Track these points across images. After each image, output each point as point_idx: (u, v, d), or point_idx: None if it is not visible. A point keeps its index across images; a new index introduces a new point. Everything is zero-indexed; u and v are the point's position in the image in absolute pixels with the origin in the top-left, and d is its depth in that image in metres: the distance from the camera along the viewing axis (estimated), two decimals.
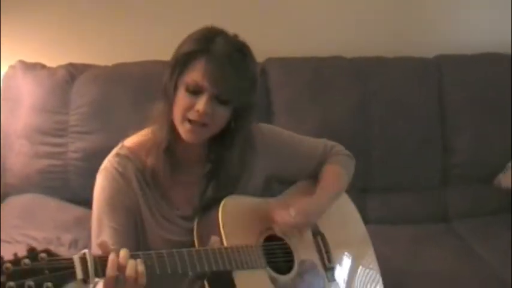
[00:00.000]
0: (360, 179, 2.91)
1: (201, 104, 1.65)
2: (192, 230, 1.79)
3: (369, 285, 2.03)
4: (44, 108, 2.78)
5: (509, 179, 2.93)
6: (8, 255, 2.34)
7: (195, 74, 1.66)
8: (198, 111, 1.65)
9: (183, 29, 2.99)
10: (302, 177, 2.05)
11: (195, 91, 1.66)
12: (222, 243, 1.71)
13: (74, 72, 2.86)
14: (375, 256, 2.09)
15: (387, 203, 2.96)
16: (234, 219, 1.77)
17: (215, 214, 1.76)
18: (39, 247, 2.47)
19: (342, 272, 1.97)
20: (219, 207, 1.76)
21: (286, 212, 1.82)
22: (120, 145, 1.82)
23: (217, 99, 1.67)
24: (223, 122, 1.74)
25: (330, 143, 2.09)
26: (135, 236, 1.78)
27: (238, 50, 1.71)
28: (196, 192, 1.85)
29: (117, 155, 1.78)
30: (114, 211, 1.74)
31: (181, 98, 1.68)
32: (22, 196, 2.77)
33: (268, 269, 1.79)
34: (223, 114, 1.71)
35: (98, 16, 3.01)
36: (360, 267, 2.04)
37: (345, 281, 1.97)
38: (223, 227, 1.73)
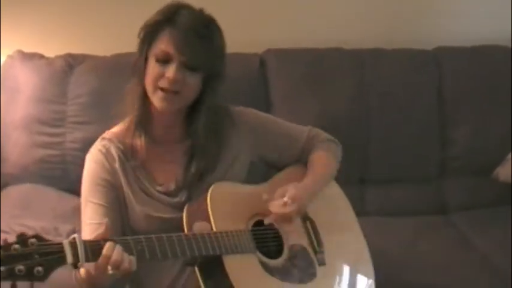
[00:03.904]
0: (357, 171, 2.93)
1: (170, 71, 1.72)
2: (174, 206, 1.84)
3: (358, 268, 2.03)
4: (42, 98, 2.78)
5: (507, 171, 2.93)
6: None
7: (162, 44, 1.74)
8: (168, 78, 1.72)
9: None
10: (288, 162, 2.07)
11: (164, 60, 1.74)
12: (211, 228, 1.72)
13: (72, 62, 2.86)
14: (365, 241, 2.10)
15: (385, 194, 2.95)
16: (222, 205, 1.79)
17: (203, 199, 1.78)
18: None
19: (331, 256, 1.97)
20: (207, 193, 1.79)
21: (280, 203, 1.82)
22: (107, 131, 1.92)
23: (186, 66, 1.74)
24: (195, 90, 1.80)
25: (315, 129, 2.13)
26: (119, 213, 1.83)
27: (203, 23, 1.80)
28: (178, 168, 1.89)
29: (102, 139, 1.89)
30: (98, 189, 1.81)
31: (152, 68, 1.75)
32: (20, 186, 2.77)
33: (258, 253, 1.80)
34: (193, 81, 1.77)
35: (97, 6, 3.00)
36: (350, 251, 2.05)
37: (335, 264, 1.97)
38: (212, 213, 1.74)
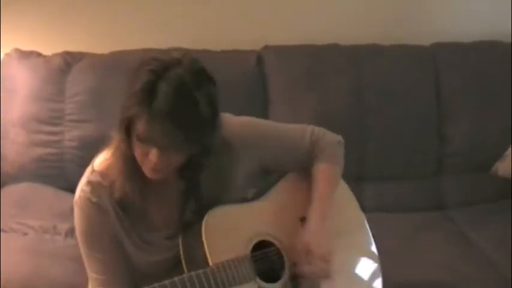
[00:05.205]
0: (355, 168, 2.92)
1: (152, 155, 1.59)
2: (174, 246, 1.77)
3: (365, 276, 1.97)
4: (39, 97, 2.78)
5: (506, 166, 2.93)
6: (4, 245, 2.36)
7: (141, 128, 1.56)
8: (150, 161, 1.60)
9: (180, 16, 3.00)
10: (291, 169, 1.97)
11: (145, 141, 1.59)
12: (207, 262, 1.67)
13: (69, 60, 2.86)
14: (374, 244, 2.05)
15: (383, 191, 2.95)
16: (218, 234, 1.72)
17: (198, 232, 1.71)
18: (36, 236, 2.50)
19: (336, 266, 1.88)
20: (202, 222, 1.72)
21: (307, 262, 1.79)
22: (90, 169, 1.76)
23: (168, 150, 1.59)
24: (182, 161, 1.67)
25: (317, 130, 1.95)
26: (123, 261, 1.76)
27: (185, 97, 1.55)
28: (174, 211, 1.80)
29: (89, 183, 1.72)
30: (97, 242, 1.73)
31: (136, 145, 1.62)
32: (18, 185, 2.77)
33: (258, 280, 1.75)
34: (179, 158, 1.64)
35: (94, 3, 2.99)
36: (356, 257, 1.99)
37: (340, 276, 1.89)
38: (207, 246, 1.68)
